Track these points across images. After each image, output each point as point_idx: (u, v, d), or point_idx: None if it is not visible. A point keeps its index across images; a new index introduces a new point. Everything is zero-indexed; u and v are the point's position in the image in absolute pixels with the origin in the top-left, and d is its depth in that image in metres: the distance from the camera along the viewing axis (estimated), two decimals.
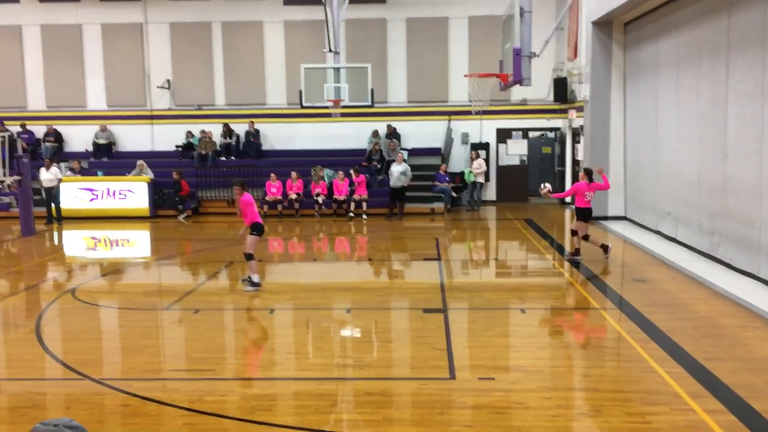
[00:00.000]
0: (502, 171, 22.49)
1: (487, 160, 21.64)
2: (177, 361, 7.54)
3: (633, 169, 16.93)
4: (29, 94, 22.49)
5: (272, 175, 19.74)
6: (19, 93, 22.40)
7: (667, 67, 14.42)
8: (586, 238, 12.53)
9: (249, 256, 10.48)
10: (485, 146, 22.01)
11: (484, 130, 22.17)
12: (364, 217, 19.24)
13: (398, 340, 8.15)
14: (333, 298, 10.30)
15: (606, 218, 17.32)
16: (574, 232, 12.74)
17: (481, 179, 20.87)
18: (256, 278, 10.55)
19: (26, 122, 22.14)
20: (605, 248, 12.70)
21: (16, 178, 16.51)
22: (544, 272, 12.43)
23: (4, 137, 16.64)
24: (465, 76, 14.37)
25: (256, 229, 10.46)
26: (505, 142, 22.50)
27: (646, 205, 15.95)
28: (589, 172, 12.76)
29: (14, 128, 21.33)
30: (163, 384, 6.66)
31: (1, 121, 21.33)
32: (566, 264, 12.51)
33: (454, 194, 20.75)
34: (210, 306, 9.79)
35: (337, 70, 16.38)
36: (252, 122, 22.04)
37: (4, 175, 16.46)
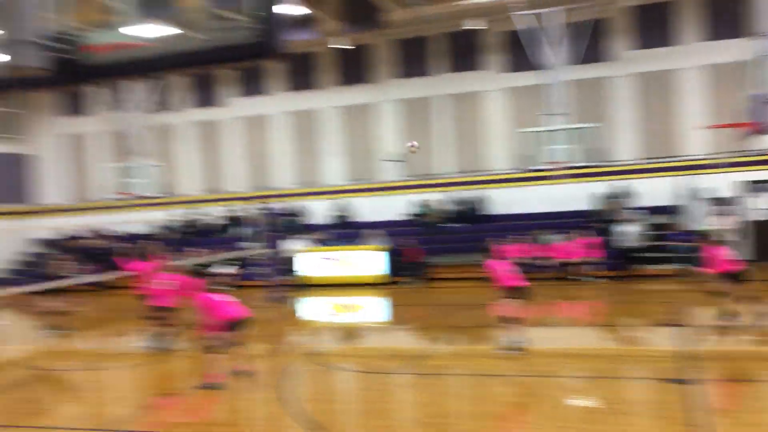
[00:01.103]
0: (760, 226, 20.30)
1: (732, 215, 19.76)
2: (413, 427, 7.66)
3: None
4: (277, 173, 25.00)
5: (506, 238, 19.65)
6: (268, 174, 25.00)
7: None
8: None
9: (506, 320, 10.39)
10: (728, 201, 20.17)
11: (726, 182, 20.40)
12: (593, 279, 18.44)
13: (634, 414, 7.58)
14: (563, 366, 9.91)
15: None
16: None
17: (729, 236, 19.06)
18: (515, 341, 10.34)
19: (274, 199, 24.55)
20: None
21: (265, 250, 18.25)
22: None
23: (257, 214, 18.56)
24: (708, 127, 13.44)
25: (510, 292, 10.32)
26: (756, 194, 20.42)
27: None
28: None
29: (265, 205, 23.76)
30: None
31: (255, 200, 23.85)
32: None
33: (692, 254, 19.14)
34: (440, 371, 9.89)
35: (558, 131, 16.19)
36: (476, 188, 22.41)
37: (258, 247, 18.31)
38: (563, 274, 19.14)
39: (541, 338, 12.27)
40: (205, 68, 4.53)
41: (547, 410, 7.97)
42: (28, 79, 3.35)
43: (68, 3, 3.50)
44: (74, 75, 3.34)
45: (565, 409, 7.98)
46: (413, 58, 23.43)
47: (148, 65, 3.07)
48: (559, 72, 20.95)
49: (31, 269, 24.21)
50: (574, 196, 21.55)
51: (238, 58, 3.07)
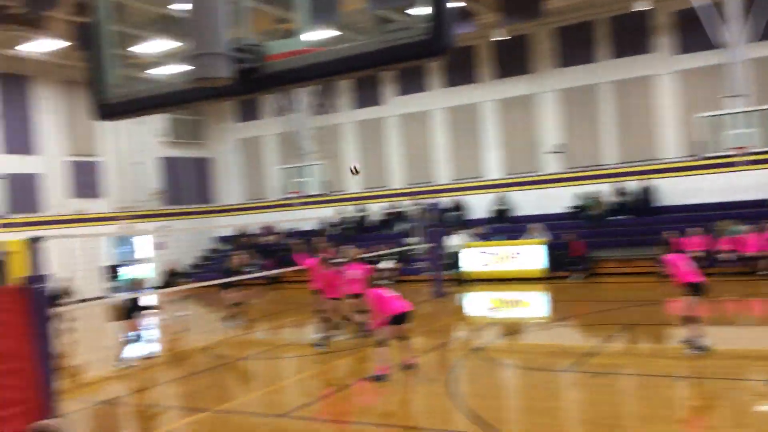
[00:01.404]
0: None
1: None
2: (584, 427, 7.46)
3: None
4: (437, 169, 25.21)
5: (682, 231, 18.53)
6: (428, 169, 25.27)
7: None
8: None
9: (687, 318, 9.86)
10: None
11: None
12: None
13: None
14: (747, 368, 9.18)
15: None
16: None
17: None
18: (698, 341, 9.74)
19: (435, 195, 24.78)
20: None
21: (428, 245, 18.52)
22: None
23: (418, 210, 18.88)
24: None
25: (689, 288, 9.72)
26: None
27: None
28: None
29: (425, 201, 24.06)
30: None
31: (417, 195, 24.23)
32: None
33: None
34: (609, 370, 9.53)
35: (738, 114, 14.95)
36: (644, 178, 21.28)
37: (420, 242, 18.62)
38: (751, 268, 17.66)
39: (724, 338, 11.46)
40: (379, 70, 4.68)
41: (729, 415, 7.43)
42: (214, 89, 3.63)
43: (248, 15, 3.73)
44: (258, 83, 3.57)
45: (751, 416, 7.39)
46: (575, 46, 22.64)
47: (323, 70, 3.22)
48: (739, 50, 19.36)
49: (213, 264, 26.22)
50: (757, 183, 19.83)
51: (411, 58, 3.13)
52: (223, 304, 16.03)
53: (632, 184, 21.60)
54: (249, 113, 28.61)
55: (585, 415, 7.82)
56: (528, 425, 7.51)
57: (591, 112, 22.48)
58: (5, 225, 20.62)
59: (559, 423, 7.53)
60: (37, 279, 8.79)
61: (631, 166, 21.83)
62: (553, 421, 7.54)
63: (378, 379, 9.58)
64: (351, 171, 14.34)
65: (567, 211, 22.47)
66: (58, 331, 14.94)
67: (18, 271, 9.17)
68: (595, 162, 22.49)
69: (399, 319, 9.69)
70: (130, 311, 12.48)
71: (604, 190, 21.79)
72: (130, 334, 12.51)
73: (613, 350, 10.90)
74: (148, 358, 12.93)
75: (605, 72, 22.19)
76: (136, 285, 13.69)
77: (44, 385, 8.46)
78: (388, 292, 9.89)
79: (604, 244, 20.51)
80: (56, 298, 12.62)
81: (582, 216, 21.74)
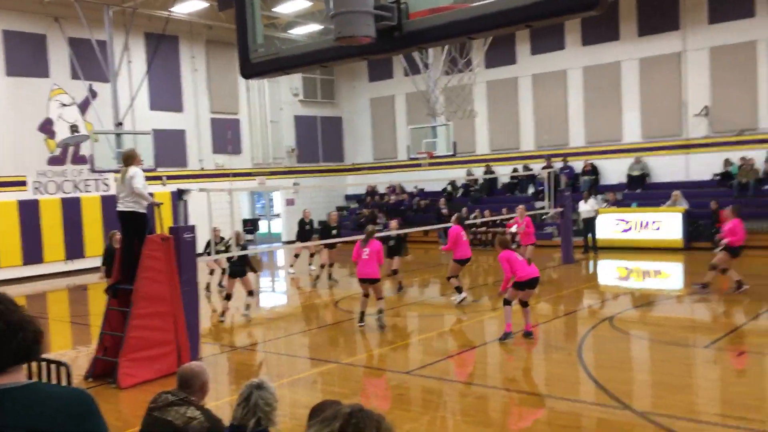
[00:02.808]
0: None
1: None
2: (722, 406, 7.07)
3: None
4: (571, 132, 24.33)
5: None
6: (562, 132, 24.44)
7: None
8: None
9: None
10: None
11: None
12: None
13: None
14: None
15: None
16: None
17: None
18: None
19: (568, 158, 23.98)
20: None
21: (559, 210, 18.01)
22: None
23: (549, 173, 18.36)
24: None
25: None
26: None
27: None
28: None
29: (558, 164, 23.34)
30: (710, 428, 6.31)
31: (548, 159, 23.56)
32: None
33: None
34: (756, 349, 8.94)
35: None
36: None
37: (549, 207, 18.15)
38: None
39: None
40: (526, 26, 4.42)
41: None
42: (356, 48, 3.62)
43: None
44: (400, 42, 3.53)
45: None
46: (727, 1, 20.88)
47: (467, 27, 3.12)
48: None
49: (343, 221, 26.88)
50: None
51: (563, 13, 2.96)
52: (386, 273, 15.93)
53: None
54: (380, 72, 28.74)
55: (721, 395, 7.40)
56: (658, 401, 7.20)
57: (746, 73, 20.74)
58: (152, 178, 22.08)
59: (691, 400, 7.16)
60: (182, 228, 9.36)
61: None
62: (685, 397, 7.19)
63: (504, 338, 9.70)
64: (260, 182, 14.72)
65: (713, 179, 21.09)
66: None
67: (166, 220, 9.81)
68: (748, 126, 20.85)
69: (527, 284, 9.70)
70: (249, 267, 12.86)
71: (757, 157, 20.20)
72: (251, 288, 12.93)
73: (759, 328, 10.20)
74: (275, 309, 13.52)
75: (763, 29, 20.34)
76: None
77: (188, 328, 9.06)
78: (518, 256, 9.98)
79: (754, 215, 19.12)
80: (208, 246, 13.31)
81: (729, 185, 20.32)
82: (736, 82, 20.91)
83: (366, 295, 11.11)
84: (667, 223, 19.53)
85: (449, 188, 26.26)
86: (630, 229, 20.12)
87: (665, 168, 22.25)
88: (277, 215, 29.25)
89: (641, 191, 22.08)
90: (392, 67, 28.14)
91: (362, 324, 11.09)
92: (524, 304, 9.98)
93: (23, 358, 2.05)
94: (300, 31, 23.60)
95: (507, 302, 9.92)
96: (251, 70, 4.30)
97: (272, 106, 27.27)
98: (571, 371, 8.41)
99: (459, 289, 12.75)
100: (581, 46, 23.79)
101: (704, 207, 19.19)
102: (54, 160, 21.11)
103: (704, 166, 21.41)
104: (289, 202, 27.43)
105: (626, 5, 22.54)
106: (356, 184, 29.14)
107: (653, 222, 19.81)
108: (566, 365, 8.70)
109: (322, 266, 16.39)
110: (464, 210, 21.95)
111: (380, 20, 3.46)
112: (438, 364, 8.98)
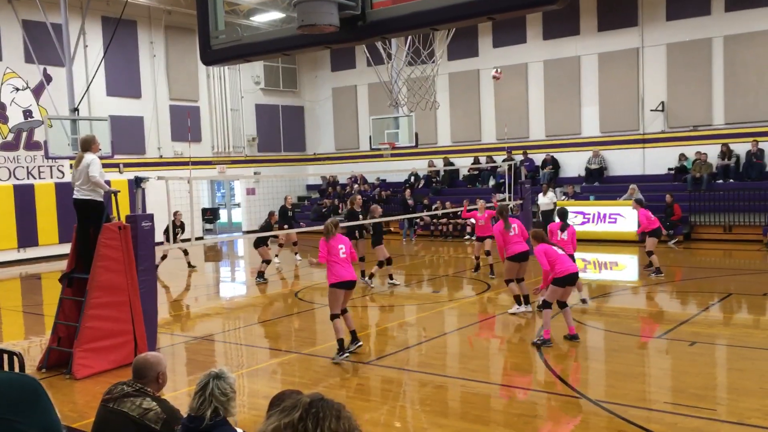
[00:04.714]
0: None
1: None
2: (673, 394, 7.25)
3: None
4: (531, 124, 24.58)
5: None
6: (522, 124, 24.67)
7: None
8: None
9: None
10: None
11: None
12: None
13: None
14: None
15: None
16: None
17: None
18: None
19: (528, 151, 24.22)
20: None
21: (519, 202, 18.21)
22: None
23: (510, 166, 18.53)
24: None
25: None
26: None
27: None
28: None
29: (518, 157, 23.56)
30: (660, 416, 6.47)
31: (509, 150, 23.79)
32: None
33: None
34: (706, 340, 9.18)
35: None
36: (756, 141, 20.05)
37: (509, 199, 18.32)
38: None
39: None
40: (489, 19, 4.37)
41: None
42: (319, 37, 3.59)
43: None
44: (363, 31, 3.51)
45: None
46: None
47: (431, 18, 3.12)
48: None
49: (303, 212, 26.76)
50: None
51: (525, 6, 2.97)
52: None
53: (741, 147, 20.41)
54: (342, 62, 28.62)
55: (673, 383, 7.58)
56: (611, 390, 7.36)
57: (701, 70, 21.20)
58: (109, 165, 21.64)
59: (644, 389, 7.34)
60: (140, 217, 9.21)
61: (740, 128, 20.59)
62: (638, 386, 7.36)
63: (542, 344, 8.89)
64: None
65: (668, 173, 21.54)
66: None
67: (122, 209, 9.62)
68: (701, 122, 21.33)
69: (566, 280, 9.00)
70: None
71: (710, 152, 20.70)
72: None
73: (709, 319, 10.49)
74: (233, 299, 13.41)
75: (718, 26, 20.79)
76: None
77: (146, 318, 8.93)
78: (558, 250, 9.23)
79: (706, 209, 19.62)
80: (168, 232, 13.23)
81: (683, 179, 20.80)
82: (691, 79, 21.37)
83: (343, 312, 8.72)
84: (624, 217, 19.89)
85: (412, 179, 26.33)
86: (588, 221, 20.46)
87: (622, 162, 22.66)
88: (238, 205, 28.98)
89: (599, 184, 22.45)
90: (355, 57, 28.04)
91: (345, 354, 8.66)
92: (562, 305, 9.12)
93: None
94: (262, 18, 23.34)
95: (546, 304, 9.01)
96: (212, 56, 4.24)
97: (233, 94, 26.96)
98: (527, 361, 8.54)
99: (518, 299, 11.12)
100: (542, 40, 24.04)
101: (660, 201, 19.60)
102: (6, 146, 20.56)
103: (660, 161, 21.87)
104: (250, 192, 27.19)
105: (586, 1, 22.83)
106: (317, 174, 29.03)
107: (611, 215, 20.17)
108: (523, 355, 8.83)
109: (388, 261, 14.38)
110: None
111: (343, 9, 3.44)
112: (397, 354, 9.03)
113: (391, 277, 14.21)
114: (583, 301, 11.39)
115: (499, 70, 16.33)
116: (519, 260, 10.95)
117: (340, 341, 8.57)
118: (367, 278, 14.02)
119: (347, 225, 13.59)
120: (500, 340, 10.01)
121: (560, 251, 9.14)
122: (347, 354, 8.58)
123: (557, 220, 12.48)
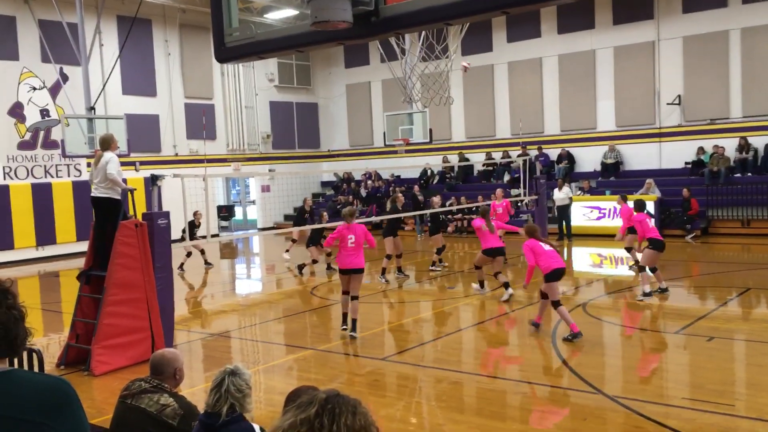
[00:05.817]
0: None
1: None
2: (691, 390, 7.19)
3: None
4: (546, 119, 24.45)
5: None
6: (537, 119, 24.55)
7: None
8: None
9: None
10: None
11: None
12: None
13: None
14: None
15: None
16: None
17: None
18: None
19: (543, 146, 24.09)
20: None
21: (534, 197, 18.14)
22: None
23: (525, 161, 18.46)
24: None
25: None
26: None
27: None
28: None
29: (533, 152, 23.45)
30: (678, 411, 6.42)
31: (524, 146, 23.67)
32: None
33: None
34: (725, 335, 9.11)
35: None
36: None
37: (524, 194, 18.26)
38: None
39: None
40: (503, 13, 4.35)
41: None
42: (332, 33, 3.60)
43: None
44: (376, 27, 3.51)
45: None
46: None
47: (445, 12, 3.11)
48: None
49: (318, 208, 26.79)
50: None
51: (538, 0, 2.96)
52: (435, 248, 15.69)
53: (759, 140, 20.19)
54: (356, 59, 28.60)
55: (691, 379, 7.53)
56: (629, 385, 7.32)
57: (718, 63, 20.97)
58: (125, 163, 21.79)
59: (662, 385, 7.29)
60: (156, 214, 9.27)
61: (759, 121, 20.36)
62: (656, 382, 7.33)
63: (573, 337, 8.85)
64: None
65: (685, 167, 21.35)
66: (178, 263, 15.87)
67: (138, 207, 9.69)
68: (719, 115, 21.11)
69: (552, 276, 9.05)
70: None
71: (728, 145, 20.49)
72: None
73: (727, 314, 10.39)
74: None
75: (736, 19, 20.55)
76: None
77: (163, 315, 8.99)
78: (545, 246, 9.21)
79: (724, 203, 19.43)
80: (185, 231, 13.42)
81: (701, 173, 20.61)
82: (708, 72, 21.15)
83: (353, 299, 9.67)
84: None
85: (429, 173, 26.28)
86: (604, 216, 20.32)
87: (638, 156, 22.48)
88: (253, 202, 29.07)
89: (615, 179, 22.29)
90: (368, 54, 28.00)
91: (346, 327, 9.80)
92: (544, 295, 9.31)
93: (12, 353, 2.03)
94: (276, 15, 23.38)
95: (556, 304, 9.01)
96: (226, 54, 4.26)
97: (247, 92, 27.02)
98: (544, 356, 8.51)
99: (482, 284, 12.46)
100: (557, 34, 23.88)
101: (677, 195, 19.43)
102: (24, 145, 20.75)
103: (677, 155, 21.67)
104: (265, 189, 27.27)
105: None
106: (331, 170, 29.04)
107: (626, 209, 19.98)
108: (540, 351, 8.80)
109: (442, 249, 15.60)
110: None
111: (357, 5, 3.43)
112: (413, 350, 9.03)
113: (400, 270, 14.61)
114: (662, 290, 11.52)
115: (468, 63, 16.38)
116: (492, 255, 11.94)
117: (344, 315, 9.72)
118: (399, 273, 14.63)
119: (389, 218, 14.70)
120: (516, 336, 9.98)
121: (547, 247, 9.11)
122: (345, 327, 9.71)
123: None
